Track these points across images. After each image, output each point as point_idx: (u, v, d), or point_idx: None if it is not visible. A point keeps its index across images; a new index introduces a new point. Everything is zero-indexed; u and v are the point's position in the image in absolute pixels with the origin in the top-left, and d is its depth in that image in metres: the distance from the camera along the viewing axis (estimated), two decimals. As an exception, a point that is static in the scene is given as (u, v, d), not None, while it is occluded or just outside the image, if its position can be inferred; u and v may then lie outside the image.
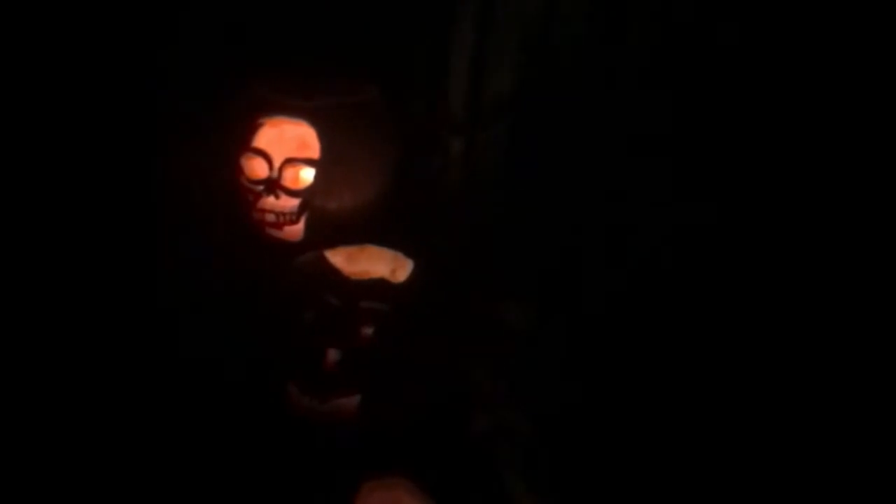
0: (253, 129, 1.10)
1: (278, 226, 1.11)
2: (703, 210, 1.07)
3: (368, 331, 0.89)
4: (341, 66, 1.17)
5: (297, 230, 1.12)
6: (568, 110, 1.15)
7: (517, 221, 1.17)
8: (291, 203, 1.10)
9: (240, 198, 1.13)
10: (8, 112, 1.12)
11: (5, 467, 0.84)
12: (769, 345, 0.99)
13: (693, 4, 1.05)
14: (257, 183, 1.10)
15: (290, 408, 0.90)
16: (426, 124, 1.24)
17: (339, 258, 0.98)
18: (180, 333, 1.01)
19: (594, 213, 1.15)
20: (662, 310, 1.05)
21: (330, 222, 1.10)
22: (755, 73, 1.03)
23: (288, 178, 1.10)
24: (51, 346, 0.98)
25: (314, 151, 1.09)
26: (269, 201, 1.10)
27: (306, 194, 1.10)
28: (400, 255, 0.99)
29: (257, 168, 1.11)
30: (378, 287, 0.92)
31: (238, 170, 1.12)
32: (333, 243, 0.99)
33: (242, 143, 1.11)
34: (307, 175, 1.10)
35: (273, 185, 1.09)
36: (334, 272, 0.94)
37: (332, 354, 0.88)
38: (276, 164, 1.09)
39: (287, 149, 1.10)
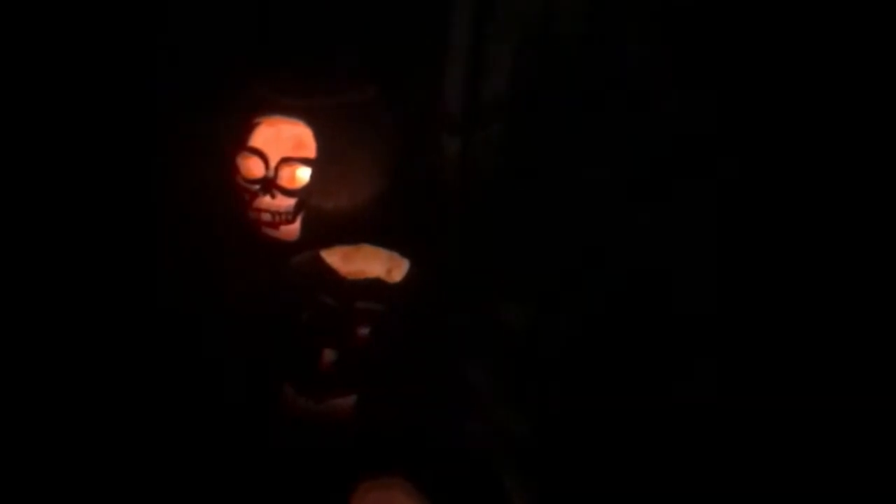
0: (249, 128, 1.10)
1: (274, 225, 1.11)
2: (705, 210, 1.07)
3: (364, 331, 0.89)
4: (338, 65, 1.17)
5: (293, 230, 1.12)
6: (566, 110, 1.14)
7: (514, 221, 1.17)
8: (287, 203, 1.10)
9: (236, 197, 1.13)
10: (8, 112, 1.12)
11: (5, 467, 0.84)
12: (769, 346, 0.99)
13: (693, 4, 1.05)
14: (253, 182, 1.10)
15: (286, 408, 0.90)
16: (423, 124, 1.23)
17: (335, 258, 0.97)
18: (178, 333, 1.00)
19: (593, 213, 1.14)
20: (662, 310, 1.05)
21: (326, 222, 1.10)
22: (757, 73, 1.03)
23: (284, 178, 1.10)
24: (50, 345, 0.97)
25: (310, 151, 1.09)
26: (266, 201, 1.10)
27: (302, 194, 1.09)
28: (396, 255, 0.98)
29: (253, 167, 1.10)
30: (374, 287, 0.92)
31: (234, 169, 1.12)
32: (329, 243, 0.99)
33: (239, 142, 1.11)
34: (303, 174, 1.10)
35: (269, 185, 1.09)
36: (330, 272, 0.94)
37: (328, 355, 0.88)
38: (273, 163, 1.09)
39: (283, 148, 1.10)
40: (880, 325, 0.95)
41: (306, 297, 0.91)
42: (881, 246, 0.96)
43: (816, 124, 0.99)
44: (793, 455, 0.88)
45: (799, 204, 1.01)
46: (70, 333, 0.99)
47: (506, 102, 1.19)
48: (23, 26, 1.12)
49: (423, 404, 0.91)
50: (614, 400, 0.95)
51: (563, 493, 0.85)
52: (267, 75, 1.13)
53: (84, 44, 1.15)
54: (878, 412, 0.90)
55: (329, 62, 1.18)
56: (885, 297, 0.95)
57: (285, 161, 1.09)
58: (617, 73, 1.11)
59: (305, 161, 1.09)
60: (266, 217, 1.11)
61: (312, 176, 1.09)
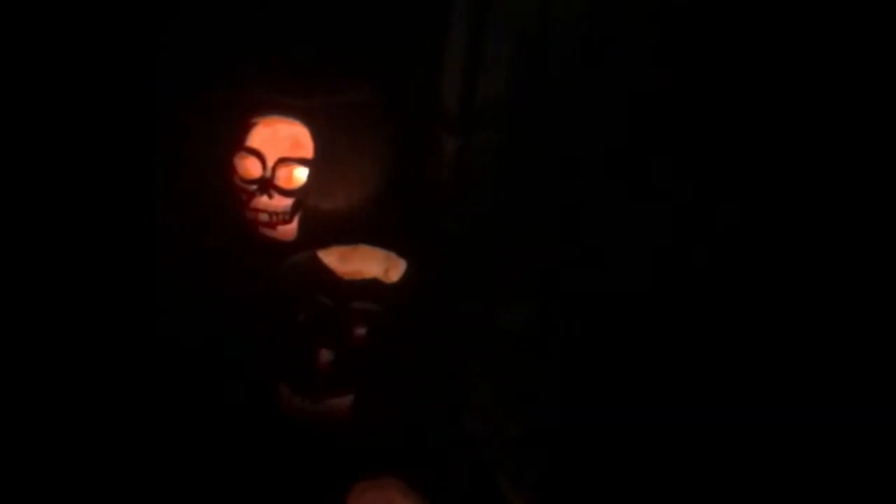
0: (246, 128, 1.10)
1: (271, 225, 1.11)
2: (703, 210, 1.07)
3: (361, 331, 0.89)
4: (335, 65, 1.17)
5: (290, 230, 1.11)
6: (564, 111, 1.15)
7: (512, 222, 1.17)
8: (285, 203, 1.10)
9: (233, 197, 1.13)
10: (7, 113, 1.12)
11: (5, 467, 0.84)
12: (769, 347, 0.99)
13: (693, 4, 1.05)
14: (251, 182, 1.10)
15: (283, 408, 0.90)
16: (421, 124, 1.23)
17: (332, 258, 0.98)
18: (175, 333, 1.00)
19: (591, 214, 1.14)
20: (660, 312, 1.05)
21: (323, 222, 1.10)
22: (757, 73, 1.03)
23: (281, 178, 1.10)
24: (49, 344, 0.98)
25: (308, 151, 1.09)
26: (263, 201, 1.10)
27: (300, 194, 1.09)
28: (393, 255, 0.99)
29: (251, 167, 1.10)
30: (371, 287, 0.92)
31: (231, 169, 1.12)
32: (326, 243, 0.99)
33: (236, 142, 1.11)
34: (301, 175, 1.10)
35: (266, 185, 1.09)
36: (327, 272, 0.94)
37: (325, 355, 0.88)
38: (270, 163, 1.09)
39: (281, 148, 1.10)
40: (879, 326, 0.95)
41: (303, 297, 0.91)
42: (881, 245, 0.97)
43: (816, 122, 1.00)
44: (793, 464, 0.88)
45: (798, 204, 1.02)
46: (69, 333, 0.99)
47: (504, 103, 1.19)
48: (23, 26, 1.12)
49: (420, 405, 0.91)
50: (609, 402, 0.95)
51: (559, 494, 0.85)
52: (264, 75, 1.13)
53: (84, 44, 1.15)
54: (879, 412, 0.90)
55: (327, 62, 1.17)
56: (884, 298, 0.96)
57: (282, 161, 1.09)
58: (616, 73, 1.12)
59: (303, 161, 1.09)
60: (263, 217, 1.11)
61: (310, 176, 1.09)
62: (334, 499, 0.79)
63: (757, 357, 0.98)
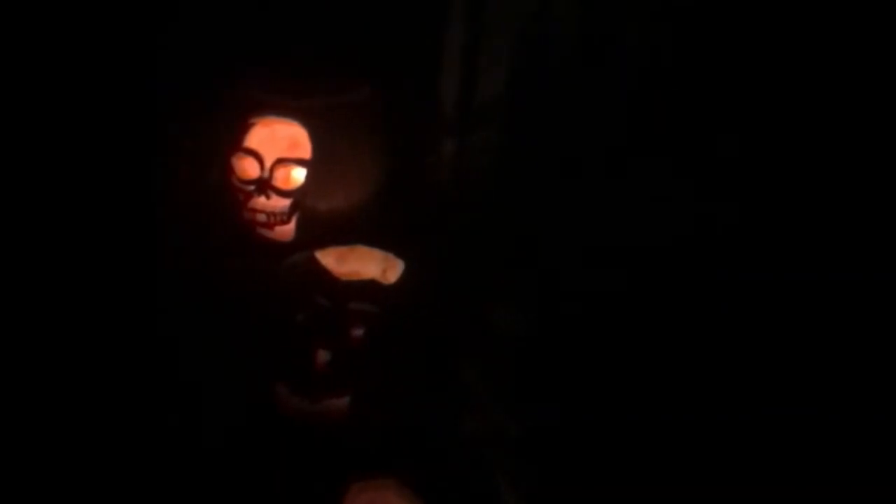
0: (244, 128, 1.10)
1: (269, 226, 1.11)
2: (702, 211, 1.07)
3: (359, 332, 0.89)
4: (333, 66, 1.17)
5: (288, 230, 1.11)
6: (562, 111, 1.14)
7: (510, 223, 1.17)
8: (282, 203, 1.10)
9: (231, 198, 1.12)
10: (7, 113, 1.12)
11: (5, 467, 0.84)
12: (768, 349, 0.99)
13: (692, 4, 1.05)
14: (248, 183, 1.10)
15: (280, 408, 0.90)
16: (419, 124, 1.23)
17: (329, 259, 0.97)
18: (174, 333, 1.01)
19: (589, 215, 1.14)
20: (658, 313, 1.05)
21: (321, 223, 1.10)
22: (757, 73, 1.03)
23: (279, 178, 1.09)
24: (49, 344, 0.98)
25: (305, 151, 1.09)
26: (261, 201, 1.10)
27: (297, 194, 1.09)
28: (391, 256, 0.98)
29: (248, 168, 1.10)
30: (368, 288, 0.92)
31: (229, 170, 1.12)
32: (324, 244, 0.99)
33: (234, 142, 1.10)
34: (298, 175, 1.10)
35: (264, 185, 1.09)
36: (325, 273, 0.94)
37: (322, 355, 0.88)
38: (268, 164, 1.09)
39: (278, 149, 1.10)
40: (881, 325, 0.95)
41: (301, 297, 0.91)
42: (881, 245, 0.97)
43: (816, 122, 1.00)
44: (792, 467, 0.88)
45: (798, 204, 1.02)
46: (69, 332, 0.99)
47: (503, 103, 1.19)
48: (23, 26, 1.12)
49: (418, 405, 0.91)
50: (606, 403, 0.95)
51: (556, 495, 0.85)
52: (260, 75, 1.13)
53: (84, 44, 1.15)
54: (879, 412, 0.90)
55: (325, 63, 1.17)
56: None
57: (280, 162, 1.09)
58: (614, 73, 1.12)
59: (300, 162, 1.09)
60: (261, 218, 1.11)
61: (307, 176, 1.09)
62: (332, 499, 0.79)
63: (757, 357, 0.98)
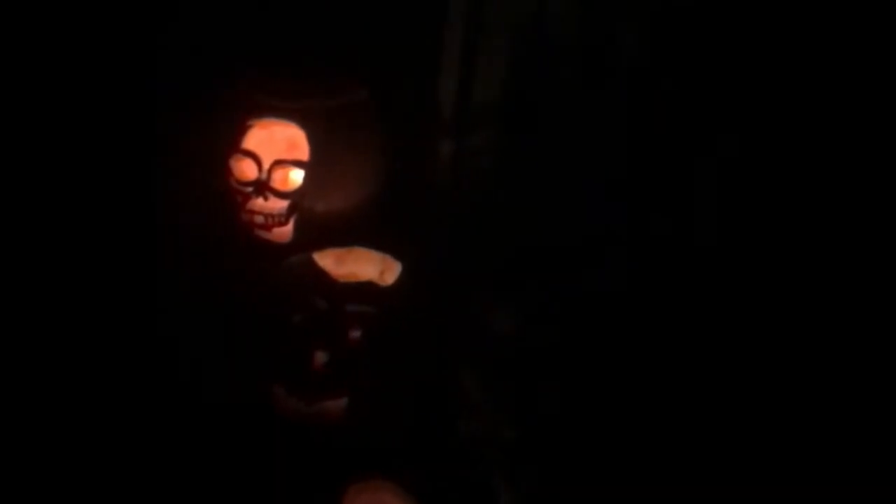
0: (242, 130, 1.10)
1: (267, 227, 1.11)
2: (700, 212, 1.07)
3: (356, 334, 0.89)
4: (331, 67, 1.17)
5: (285, 232, 1.11)
6: (560, 113, 1.15)
7: (507, 225, 1.17)
8: (280, 205, 1.10)
9: (229, 199, 1.12)
10: (7, 113, 1.12)
11: (4, 467, 0.84)
12: (766, 350, 0.99)
13: (692, 4, 1.05)
14: (246, 184, 1.10)
15: (277, 409, 0.90)
16: (416, 126, 1.23)
17: (327, 260, 0.97)
18: (174, 333, 1.01)
19: (586, 217, 1.14)
20: (654, 314, 1.05)
21: (319, 224, 1.10)
22: (756, 74, 1.03)
23: (277, 180, 1.09)
24: (49, 344, 0.98)
25: (303, 153, 1.08)
26: (258, 203, 1.10)
27: (295, 196, 1.09)
28: (388, 258, 0.98)
29: (246, 169, 1.10)
30: (366, 290, 0.92)
31: (227, 171, 1.12)
32: (322, 245, 0.99)
33: (232, 144, 1.10)
34: (296, 177, 1.10)
35: (262, 187, 1.09)
36: (322, 274, 0.94)
37: (320, 356, 0.88)
38: (266, 165, 1.09)
39: (276, 150, 1.10)
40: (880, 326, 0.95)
41: (298, 299, 0.91)
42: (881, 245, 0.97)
43: (816, 122, 0.99)
44: (791, 469, 0.88)
45: (797, 205, 1.01)
46: (69, 332, 0.99)
47: (502, 103, 1.19)
48: (23, 26, 1.12)
49: (415, 407, 0.92)
50: (602, 404, 0.95)
51: (552, 497, 0.85)
52: (258, 77, 1.13)
53: (84, 44, 1.15)
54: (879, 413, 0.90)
55: (322, 64, 1.17)
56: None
57: (278, 163, 1.09)
58: (612, 73, 1.12)
59: (298, 163, 1.09)
60: (259, 219, 1.11)
61: (305, 178, 1.09)
62: (329, 500, 0.79)
63: (756, 357, 0.98)
